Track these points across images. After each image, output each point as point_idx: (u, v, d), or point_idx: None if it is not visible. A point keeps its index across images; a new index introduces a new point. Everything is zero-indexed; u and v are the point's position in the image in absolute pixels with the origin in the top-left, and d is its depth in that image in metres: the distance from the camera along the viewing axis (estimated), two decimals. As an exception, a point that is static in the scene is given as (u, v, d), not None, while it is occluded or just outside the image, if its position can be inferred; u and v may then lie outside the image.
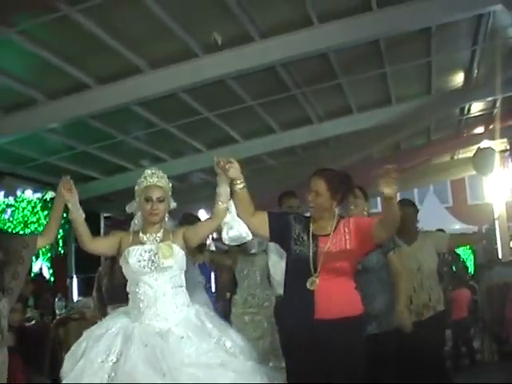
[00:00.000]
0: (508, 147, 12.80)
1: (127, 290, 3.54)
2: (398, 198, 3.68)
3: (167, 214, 3.68)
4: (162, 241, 3.52)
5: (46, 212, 9.95)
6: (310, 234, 3.56)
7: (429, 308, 4.74)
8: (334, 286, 3.45)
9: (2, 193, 9.89)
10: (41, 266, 9.82)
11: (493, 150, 11.61)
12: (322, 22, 6.75)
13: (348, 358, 3.36)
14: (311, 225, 3.60)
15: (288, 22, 6.77)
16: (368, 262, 4.27)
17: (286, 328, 3.62)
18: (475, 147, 11.90)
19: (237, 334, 3.49)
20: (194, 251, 4.78)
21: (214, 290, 6.99)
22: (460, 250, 13.77)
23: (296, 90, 8.70)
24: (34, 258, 9.18)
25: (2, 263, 3.59)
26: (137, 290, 3.42)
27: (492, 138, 11.69)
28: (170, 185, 3.67)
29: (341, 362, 3.35)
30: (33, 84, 7.25)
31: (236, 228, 3.69)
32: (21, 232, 9.55)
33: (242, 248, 5.32)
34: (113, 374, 3.10)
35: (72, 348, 3.39)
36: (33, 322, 5.59)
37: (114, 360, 3.15)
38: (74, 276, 10.99)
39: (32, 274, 8.28)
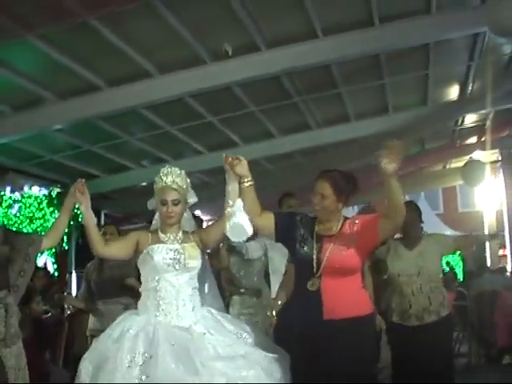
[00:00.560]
0: (499, 158, 13.15)
1: (142, 287, 3.49)
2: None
3: (188, 210, 3.66)
4: (183, 242, 3.49)
5: (51, 208, 10.18)
6: (315, 235, 3.53)
7: (430, 312, 4.59)
8: (341, 287, 3.41)
9: (9, 188, 10.09)
10: (45, 260, 10.04)
11: (482, 162, 11.93)
12: (326, 34, 7.04)
13: (357, 359, 3.33)
14: (316, 226, 3.57)
15: (294, 34, 7.05)
16: None
17: (294, 329, 3.54)
18: (467, 157, 12.24)
19: (251, 327, 3.50)
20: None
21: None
22: (449, 257, 14.12)
23: (297, 98, 8.98)
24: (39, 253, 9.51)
25: (8, 260, 3.58)
26: (157, 287, 3.37)
27: (484, 149, 12.02)
28: (188, 180, 3.59)
29: (350, 363, 3.30)
30: (44, 84, 7.48)
31: (238, 217, 3.54)
32: (27, 227, 9.77)
33: (238, 253, 5.37)
34: (143, 378, 3.01)
35: (90, 353, 3.25)
36: (49, 314, 5.81)
37: (141, 362, 3.06)
38: (73, 271, 11.23)
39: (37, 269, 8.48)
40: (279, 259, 5.24)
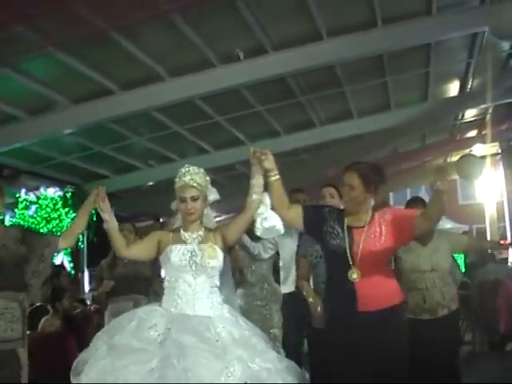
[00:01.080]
0: (499, 150, 13.39)
1: (164, 284, 3.53)
2: (391, 199, 3.82)
3: (208, 207, 3.69)
4: (203, 240, 3.52)
5: (66, 209, 10.48)
6: (345, 227, 3.52)
7: (443, 306, 4.64)
8: (374, 278, 3.44)
9: (23, 190, 10.37)
10: (62, 259, 10.31)
11: (476, 156, 12.15)
12: (331, 36, 7.31)
13: (394, 349, 3.38)
14: (346, 217, 3.57)
15: (299, 37, 7.32)
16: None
17: (330, 321, 3.58)
18: (468, 151, 12.50)
19: (263, 333, 3.53)
20: None
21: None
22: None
23: (302, 97, 9.25)
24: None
25: (24, 260, 3.61)
26: (175, 286, 3.42)
27: (484, 142, 12.26)
28: (208, 178, 3.59)
29: (388, 353, 3.35)
30: (59, 89, 7.75)
31: (271, 219, 3.65)
32: (43, 228, 10.04)
33: (248, 253, 5.36)
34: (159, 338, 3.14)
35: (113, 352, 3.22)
36: (78, 310, 6.04)
37: (161, 335, 3.18)
38: (86, 270, 11.49)
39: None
40: (289, 254, 5.34)
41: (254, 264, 5.55)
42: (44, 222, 10.25)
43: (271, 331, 5.26)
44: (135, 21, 6.22)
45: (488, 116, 11.33)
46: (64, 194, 10.72)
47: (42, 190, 10.57)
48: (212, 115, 9.36)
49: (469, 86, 9.84)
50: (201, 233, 3.54)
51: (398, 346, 3.40)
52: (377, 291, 3.43)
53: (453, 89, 10.21)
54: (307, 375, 3.60)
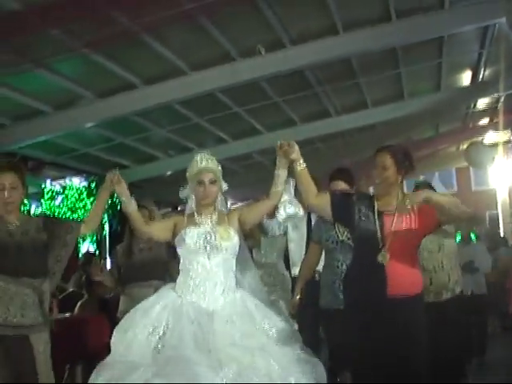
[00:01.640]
0: (511, 138, 13.56)
1: (180, 266, 3.58)
2: (405, 186, 3.83)
3: (221, 195, 3.72)
4: (217, 223, 3.56)
5: (91, 199, 10.79)
6: (376, 211, 3.54)
7: (447, 289, 4.66)
8: (403, 263, 3.47)
9: (48, 181, 10.71)
10: (88, 247, 10.63)
11: (484, 144, 12.35)
12: (347, 30, 7.56)
13: (418, 334, 3.45)
14: (376, 202, 3.59)
15: (316, 31, 7.59)
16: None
17: (358, 304, 3.56)
18: (480, 138, 12.72)
19: (281, 319, 3.51)
20: None
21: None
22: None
23: (318, 88, 9.51)
24: (81, 239, 10.11)
25: (46, 246, 3.60)
26: (190, 267, 3.48)
27: (496, 130, 12.48)
28: (220, 167, 3.66)
29: (412, 338, 3.42)
30: (85, 84, 8.05)
31: (293, 206, 3.88)
32: (70, 218, 10.27)
33: (262, 230, 5.39)
34: (159, 346, 3.18)
35: (121, 321, 3.43)
36: (111, 294, 6.31)
37: (161, 333, 3.23)
38: (108, 257, 11.79)
39: (80, 255, 9.07)
40: (298, 240, 5.35)
41: (267, 247, 5.54)
42: (70, 212, 10.60)
43: None
44: (159, 19, 6.47)
45: (500, 104, 11.53)
46: (88, 184, 11.07)
47: (67, 180, 10.92)
48: (231, 106, 9.64)
49: (481, 76, 10.06)
50: (215, 217, 3.60)
51: (421, 333, 3.46)
52: (405, 275, 3.47)
53: (465, 78, 10.44)
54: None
